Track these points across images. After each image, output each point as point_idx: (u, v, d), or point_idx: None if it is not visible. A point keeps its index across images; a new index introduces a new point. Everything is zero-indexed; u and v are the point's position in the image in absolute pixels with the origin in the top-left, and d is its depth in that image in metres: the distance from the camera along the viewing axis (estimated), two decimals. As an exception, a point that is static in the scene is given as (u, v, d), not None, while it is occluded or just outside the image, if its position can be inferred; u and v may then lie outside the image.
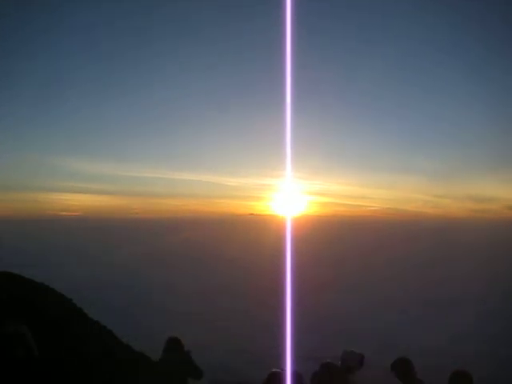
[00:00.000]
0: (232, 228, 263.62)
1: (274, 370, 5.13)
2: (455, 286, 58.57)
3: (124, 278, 64.15)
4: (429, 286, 58.94)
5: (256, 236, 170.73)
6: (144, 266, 79.74)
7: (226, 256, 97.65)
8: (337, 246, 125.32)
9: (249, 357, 29.50)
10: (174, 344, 6.50)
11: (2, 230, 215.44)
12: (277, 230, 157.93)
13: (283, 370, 5.11)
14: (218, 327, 36.25)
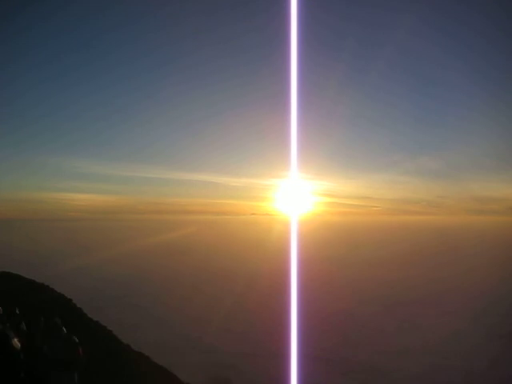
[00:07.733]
0: (234, 227, 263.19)
1: None
2: (456, 285, 58.13)
3: (126, 277, 64.12)
4: (430, 285, 58.51)
5: (258, 235, 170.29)
6: (146, 265, 79.64)
7: (227, 255, 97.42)
8: (340, 245, 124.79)
9: (250, 355, 29.27)
10: None
11: (9, 230, 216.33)
12: (280, 230, 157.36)
13: None
14: (219, 327, 35.92)
